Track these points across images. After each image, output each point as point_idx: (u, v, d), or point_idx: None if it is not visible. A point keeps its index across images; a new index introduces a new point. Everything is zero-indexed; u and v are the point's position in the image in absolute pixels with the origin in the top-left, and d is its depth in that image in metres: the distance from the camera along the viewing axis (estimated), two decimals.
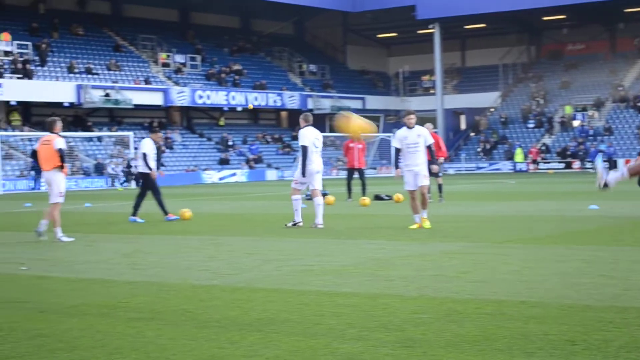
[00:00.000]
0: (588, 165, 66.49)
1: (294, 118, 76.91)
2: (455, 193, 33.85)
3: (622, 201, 24.22)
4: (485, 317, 7.93)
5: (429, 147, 17.90)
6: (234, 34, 79.00)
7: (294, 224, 18.80)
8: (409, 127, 17.72)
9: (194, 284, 10.43)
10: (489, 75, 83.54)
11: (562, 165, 69.17)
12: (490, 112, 79.94)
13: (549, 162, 69.64)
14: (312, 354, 6.74)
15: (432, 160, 18.33)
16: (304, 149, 18.61)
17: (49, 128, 17.07)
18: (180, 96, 64.81)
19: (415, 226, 17.60)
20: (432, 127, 26.98)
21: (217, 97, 67.34)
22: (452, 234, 16.10)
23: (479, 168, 72.26)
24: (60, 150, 16.59)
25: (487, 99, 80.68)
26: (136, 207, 21.78)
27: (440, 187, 26.69)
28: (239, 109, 69.17)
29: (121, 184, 53.74)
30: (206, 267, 12.07)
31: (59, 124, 17.19)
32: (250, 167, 65.57)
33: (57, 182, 16.79)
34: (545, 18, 78.96)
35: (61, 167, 16.70)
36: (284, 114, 77.44)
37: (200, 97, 66.07)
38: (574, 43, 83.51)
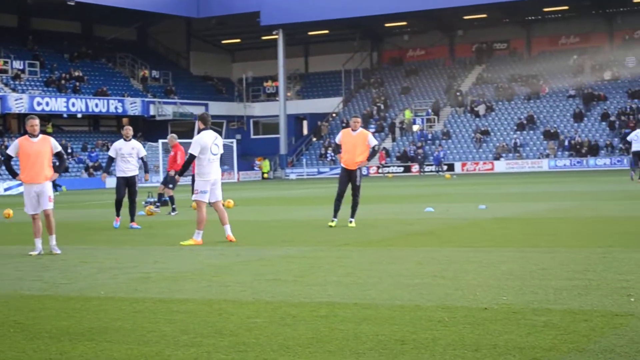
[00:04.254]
0: (427, 168, 68.32)
1: (135, 124, 76.16)
2: (297, 198, 34.14)
3: (456, 204, 24.94)
4: (318, 319, 8.01)
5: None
6: (75, 39, 77.60)
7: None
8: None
9: (25, 295, 10.19)
10: (332, 81, 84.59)
11: (402, 169, 70.60)
12: (332, 117, 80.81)
13: (388, 166, 70.93)
14: None
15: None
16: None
17: None
18: (18, 103, 63.21)
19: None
20: (176, 137, 26.36)
21: (56, 104, 65.97)
22: (293, 239, 16.20)
23: (320, 172, 73.02)
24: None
25: (329, 105, 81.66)
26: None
27: (171, 199, 25.75)
28: (79, 115, 67.93)
29: None
30: (39, 277, 11.78)
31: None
32: (90, 175, 64.54)
33: None
34: (387, 25, 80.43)
35: None
36: (125, 120, 76.51)
37: (39, 104, 64.58)
38: (414, 49, 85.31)
